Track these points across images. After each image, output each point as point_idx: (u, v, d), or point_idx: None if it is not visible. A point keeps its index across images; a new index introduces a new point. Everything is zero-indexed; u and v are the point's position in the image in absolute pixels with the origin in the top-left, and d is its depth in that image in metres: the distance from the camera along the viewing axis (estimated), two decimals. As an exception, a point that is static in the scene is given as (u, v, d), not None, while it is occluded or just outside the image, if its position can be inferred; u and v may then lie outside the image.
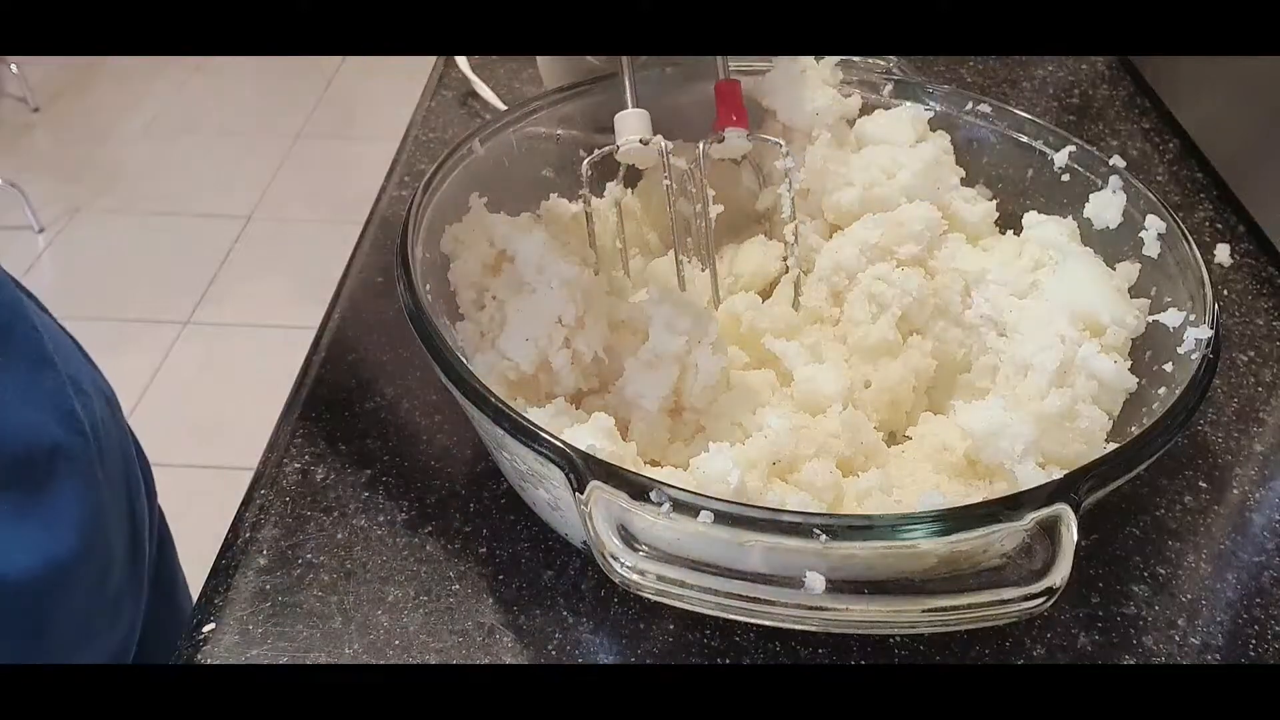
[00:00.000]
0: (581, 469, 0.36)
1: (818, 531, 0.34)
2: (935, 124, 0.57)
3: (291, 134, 2.44)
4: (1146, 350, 0.47)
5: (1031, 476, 0.42)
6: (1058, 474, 0.41)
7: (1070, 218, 0.53)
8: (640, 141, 0.52)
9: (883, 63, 0.60)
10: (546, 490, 0.41)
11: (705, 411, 0.47)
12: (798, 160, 0.55)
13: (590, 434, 0.41)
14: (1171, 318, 0.46)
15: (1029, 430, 0.43)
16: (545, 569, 0.45)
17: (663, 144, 0.52)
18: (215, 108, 2.55)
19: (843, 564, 0.36)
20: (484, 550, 0.46)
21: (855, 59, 0.59)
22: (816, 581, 0.35)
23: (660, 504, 0.35)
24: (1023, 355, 0.47)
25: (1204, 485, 0.50)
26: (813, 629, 0.43)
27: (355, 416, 0.52)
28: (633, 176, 0.57)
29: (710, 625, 0.43)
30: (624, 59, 0.54)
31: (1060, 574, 0.35)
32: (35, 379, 0.49)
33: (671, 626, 0.43)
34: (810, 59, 0.57)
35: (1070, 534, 0.35)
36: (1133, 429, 0.44)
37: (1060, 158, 0.54)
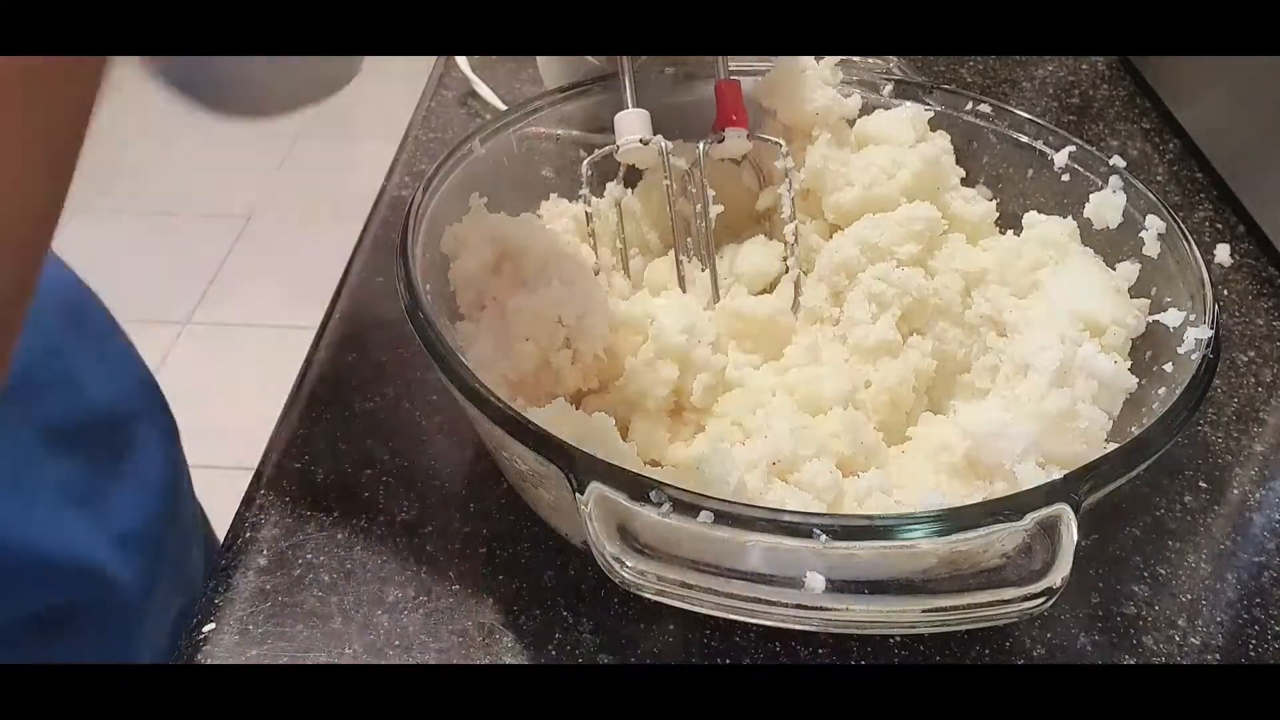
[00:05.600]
0: (581, 469, 0.36)
1: (818, 531, 0.34)
2: (935, 124, 0.57)
3: (291, 134, 2.44)
4: (1146, 350, 0.47)
5: (1031, 476, 0.42)
6: (1058, 474, 0.41)
7: (1070, 218, 0.53)
8: (640, 141, 0.52)
9: (883, 63, 0.60)
10: (546, 490, 0.41)
11: (705, 411, 0.47)
12: (798, 160, 0.55)
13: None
14: (1171, 318, 0.46)
15: (1029, 430, 0.43)
16: (545, 569, 0.45)
17: (663, 144, 0.52)
18: (215, 108, 2.54)
19: (843, 564, 0.36)
20: (484, 550, 0.46)
21: (855, 59, 0.59)
22: (816, 581, 0.35)
23: (660, 504, 0.35)
24: (1023, 355, 0.47)
25: (1204, 485, 0.50)
26: (813, 629, 0.43)
27: (355, 416, 0.52)
28: (633, 176, 0.57)
29: (710, 625, 0.43)
30: (624, 59, 0.54)
31: (1060, 574, 0.35)
32: (108, 350, 0.50)
33: (672, 627, 0.43)
34: (810, 59, 0.57)
35: (1070, 534, 0.35)
36: (1133, 429, 0.44)
37: (1060, 158, 0.54)
